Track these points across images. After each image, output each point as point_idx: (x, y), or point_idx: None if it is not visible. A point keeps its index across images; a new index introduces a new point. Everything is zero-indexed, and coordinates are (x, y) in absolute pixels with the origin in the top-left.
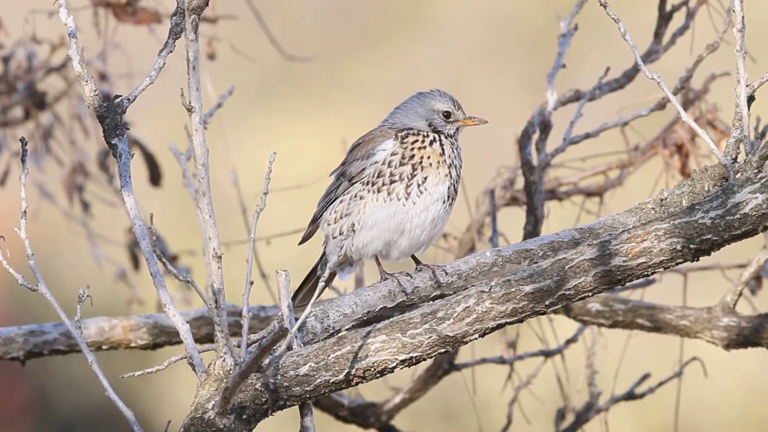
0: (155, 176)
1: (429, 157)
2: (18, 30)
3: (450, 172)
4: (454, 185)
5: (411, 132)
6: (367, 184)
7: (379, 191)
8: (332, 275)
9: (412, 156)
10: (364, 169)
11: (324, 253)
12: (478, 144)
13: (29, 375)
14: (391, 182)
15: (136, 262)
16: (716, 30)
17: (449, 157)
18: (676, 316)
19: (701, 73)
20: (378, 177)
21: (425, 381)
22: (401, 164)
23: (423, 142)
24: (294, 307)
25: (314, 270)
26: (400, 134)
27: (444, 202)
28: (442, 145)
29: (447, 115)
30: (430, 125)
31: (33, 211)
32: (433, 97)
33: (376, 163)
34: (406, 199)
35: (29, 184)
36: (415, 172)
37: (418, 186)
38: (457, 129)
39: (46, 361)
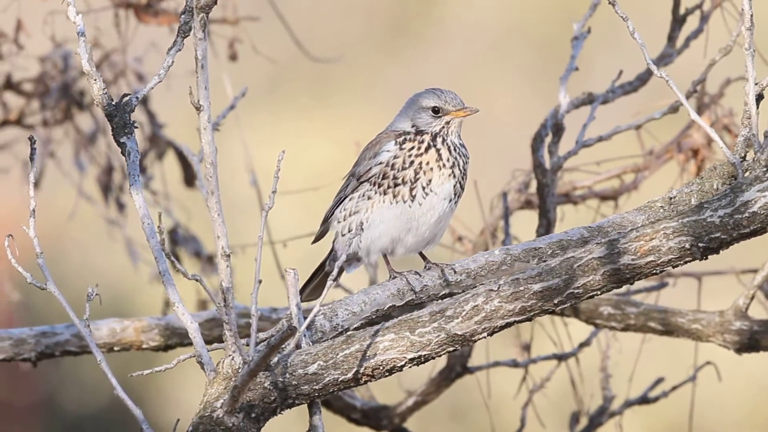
0: (189, 177)
1: (428, 163)
2: (38, 31)
3: (453, 172)
4: (460, 182)
5: (408, 138)
6: (374, 184)
7: (385, 193)
8: (340, 271)
9: (412, 162)
10: (370, 168)
11: (333, 249)
12: (493, 145)
13: (36, 374)
14: (395, 185)
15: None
16: (730, 33)
17: (448, 160)
18: (688, 319)
19: (719, 77)
20: (383, 178)
21: (438, 384)
22: (403, 168)
23: (419, 149)
24: (302, 301)
25: (322, 265)
26: (398, 139)
27: (450, 200)
28: (438, 150)
29: (436, 110)
30: (413, 126)
31: (68, 211)
32: (422, 95)
33: (380, 163)
34: (412, 200)
35: (68, 185)
36: (418, 176)
37: (423, 188)
38: (447, 123)
39: (54, 361)
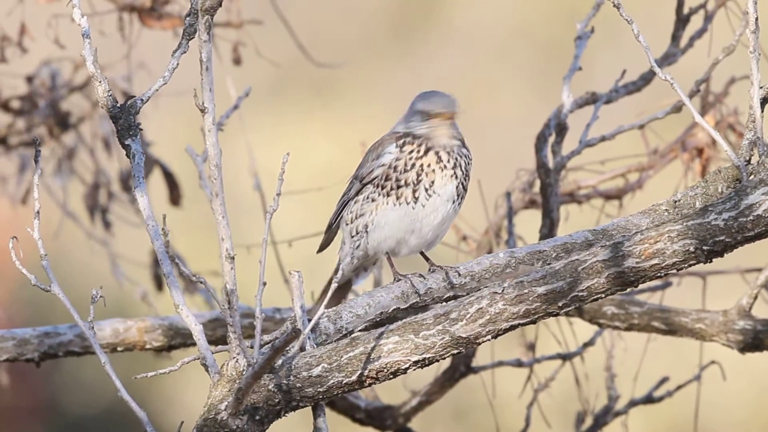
0: (175, 197)
1: (429, 165)
2: (42, 34)
3: (455, 173)
4: (462, 184)
5: (407, 140)
6: (377, 186)
7: (388, 195)
8: (348, 283)
9: (413, 165)
10: (373, 170)
11: (339, 261)
12: (497, 145)
13: (38, 375)
14: (398, 187)
15: (159, 284)
16: (734, 32)
17: (448, 161)
18: (692, 319)
19: (724, 75)
20: (386, 180)
21: (442, 384)
22: (405, 170)
23: (419, 152)
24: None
25: (330, 281)
26: (399, 141)
27: (453, 201)
28: (437, 152)
29: (425, 114)
30: (408, 129)
31: (54, 231)
32: (416, 98)
33: (383, 165)
34: (415, 202)
35: (52, 203)
36: (420, 178)
37: (426, 190)
38: (429, 128)
39: (56, 362)
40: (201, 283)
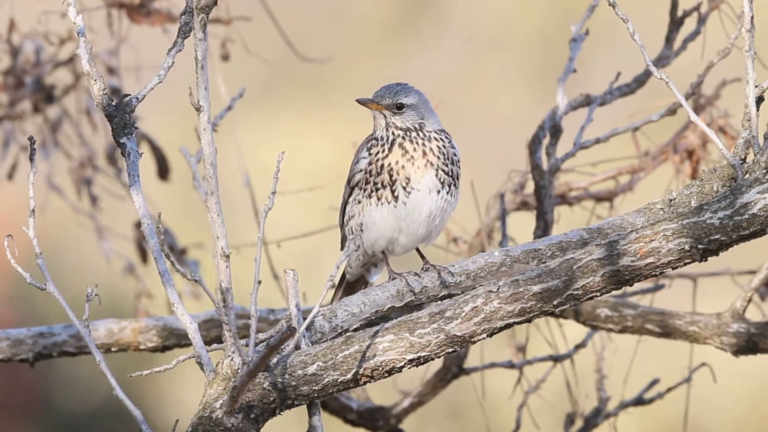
0: (163, 170)
1: (397, 162)
2: (31, 31)
3: (429, 160)
4: (441, 168)
5: (373, 143)
6: (362, 189)
7: (370, 196)
8: (362, 279)
9: (382, 166)
10: (354, 176)
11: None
12: (489, 146)
13: (32, 372)
14: (376, 189)
15: (144, 256)
16: (727, 35)
17: (415, 150)
18: (686, 321)
19: (715, 78)
20: (366, 183)
21: (434, 385)
22: (378, 173)
23: (384, 150)
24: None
25: (343, 278)
26: (367, 145)
27: (438, 191)
28: (400, 145)
29: (364, 106)
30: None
31: (41, 205)
32: None
33: (360, 171)
34: (396, 200)
35: (37, 178)
36: (393, 178)
37: (404, 187)
38: (375, 118)
39: (51, 360)
40: (196, 281)
